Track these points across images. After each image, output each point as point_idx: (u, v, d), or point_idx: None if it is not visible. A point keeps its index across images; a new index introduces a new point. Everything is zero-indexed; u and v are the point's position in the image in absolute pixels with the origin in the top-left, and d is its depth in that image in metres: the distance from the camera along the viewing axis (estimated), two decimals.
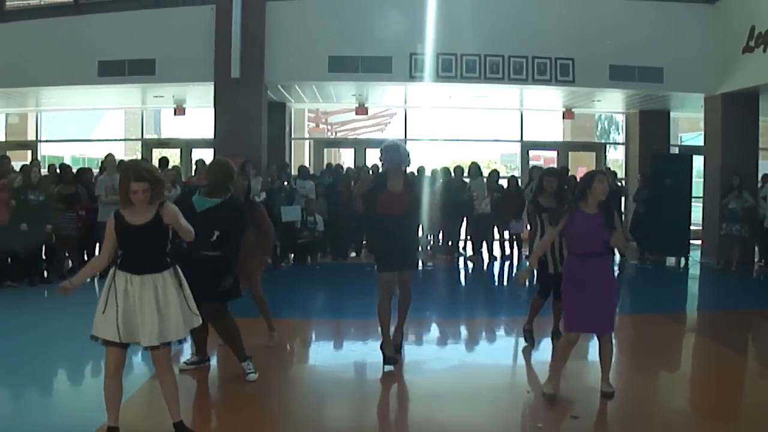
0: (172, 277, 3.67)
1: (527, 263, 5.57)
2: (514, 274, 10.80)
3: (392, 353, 5.33)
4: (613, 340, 4.66)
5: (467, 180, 11.96)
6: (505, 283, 10.50)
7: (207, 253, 4.62)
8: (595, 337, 4.59)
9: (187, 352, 5.32)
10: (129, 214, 3.65)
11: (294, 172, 12.31)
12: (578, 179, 4.96)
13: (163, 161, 11.57)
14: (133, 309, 3.55)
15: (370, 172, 11.95)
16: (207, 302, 4.56)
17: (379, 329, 5.37)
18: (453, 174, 11.92)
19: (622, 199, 12.23)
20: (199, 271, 4.37)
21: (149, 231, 3.64)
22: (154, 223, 3.63)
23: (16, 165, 10.12)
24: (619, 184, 12.30)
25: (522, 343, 6.03)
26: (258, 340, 5.65)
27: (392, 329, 5.42)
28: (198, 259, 4.50)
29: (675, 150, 15.12)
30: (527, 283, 5.34)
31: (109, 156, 9.99)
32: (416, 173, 11.83)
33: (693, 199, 11.87)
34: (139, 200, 3.58)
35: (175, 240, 3.81)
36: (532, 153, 15.14)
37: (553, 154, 15.50)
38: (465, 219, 11.82)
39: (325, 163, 13.95)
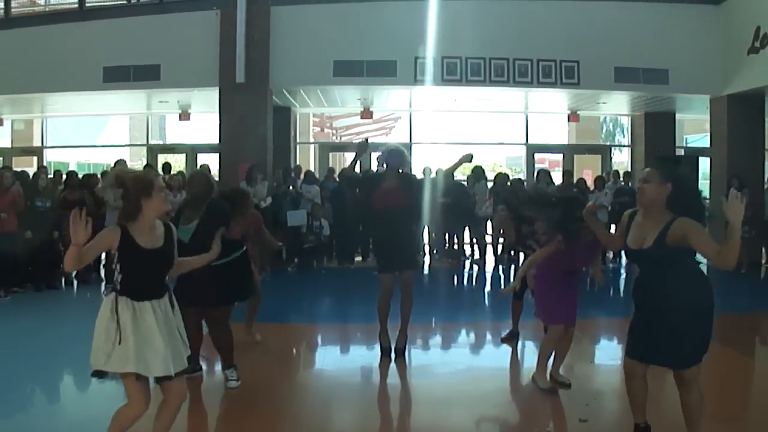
0: (169, 301, 3.26)
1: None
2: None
3: (387, 344, 5.55)
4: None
5: (464, 183, 11.91)
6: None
7: (216, 262, 4.50)
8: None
9: None
10: (138, 233, 3.12)
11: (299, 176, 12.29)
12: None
13: (166, 167, 11.57)
14: (145, 339, 3.10)
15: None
16: (218, 308, 4.71)
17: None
18: (453, 177, 11.89)
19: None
20: (214, 278, 4.52)
21: (163, 256, 3.20)
22: (167, 247, 3.23)
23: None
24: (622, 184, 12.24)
25: (528, 345, 6.06)
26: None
27: (396, 334, 5.60)
28: (210, 270, 4.41)
29: (680, 152, 15.07)
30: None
31: (120, 161, 10.05)
32: (422, 174, 11.88)
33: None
34: (165, 202, 3.18)
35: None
36: (537, 156, 15.12)
37: (559, 156, 15.49)
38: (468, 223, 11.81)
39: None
